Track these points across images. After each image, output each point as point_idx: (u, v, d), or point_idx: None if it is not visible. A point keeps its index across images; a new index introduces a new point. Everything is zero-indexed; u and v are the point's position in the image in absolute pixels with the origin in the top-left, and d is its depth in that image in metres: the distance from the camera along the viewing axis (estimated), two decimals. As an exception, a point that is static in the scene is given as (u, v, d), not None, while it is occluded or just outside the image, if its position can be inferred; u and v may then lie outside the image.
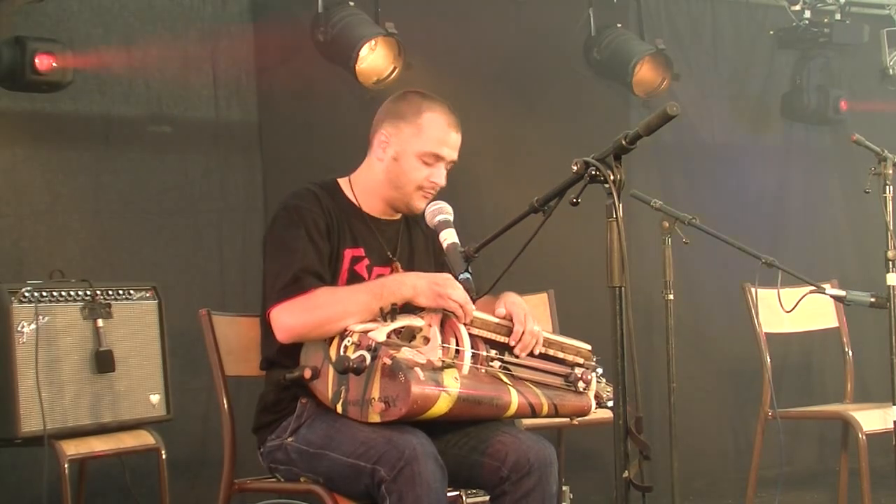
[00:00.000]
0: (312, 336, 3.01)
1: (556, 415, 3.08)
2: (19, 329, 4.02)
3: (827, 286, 4.31)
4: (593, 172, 2.50)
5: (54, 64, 4.62)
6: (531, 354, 3.07)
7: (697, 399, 6.29)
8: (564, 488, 4.80)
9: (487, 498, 3.10)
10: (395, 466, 2.81)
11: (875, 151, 3.98)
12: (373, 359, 2.81)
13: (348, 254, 3.13)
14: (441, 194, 3.22)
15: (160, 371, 4.39)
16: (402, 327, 2.94)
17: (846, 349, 5.09)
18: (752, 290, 4.69)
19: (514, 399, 2.96)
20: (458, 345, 2.91)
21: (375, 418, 2.87)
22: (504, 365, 3.00)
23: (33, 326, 4.04)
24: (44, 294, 4.10)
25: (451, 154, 3.19)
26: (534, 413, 3.02)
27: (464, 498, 3.17)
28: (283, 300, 3.00)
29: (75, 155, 5.01)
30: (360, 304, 2.96)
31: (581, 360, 3.14)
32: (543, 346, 3.08)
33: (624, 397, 2.44)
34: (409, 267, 3.23)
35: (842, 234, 6.96)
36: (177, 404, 4.46)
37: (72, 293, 4.19)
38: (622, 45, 6.08)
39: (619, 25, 6.17)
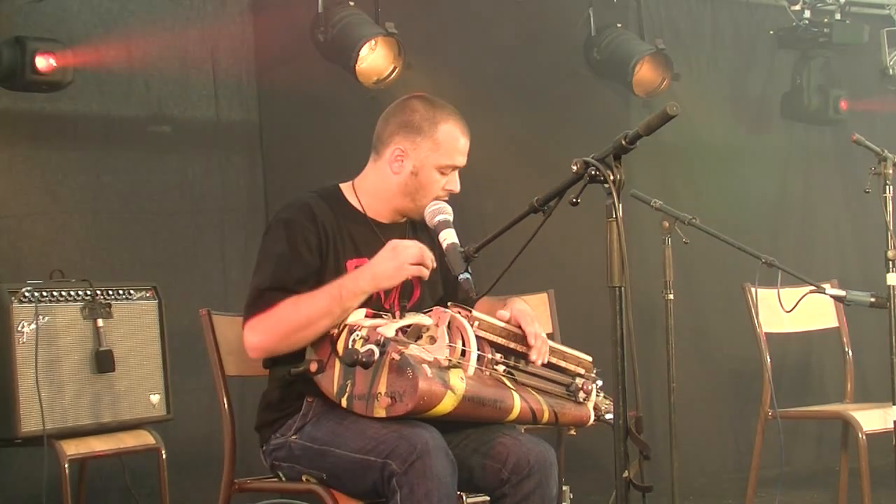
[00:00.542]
0: (282, 349, 3.06)
1: (556, 423, 3.09)
2: (19, 329, 4.02)
3: (827, 286, 4.31)
4: (593, 172, 2.50)
5: (54, 64, 4.63)
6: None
7: (697, 399, 6.29)
8: (564, 488, 4.79)
9: (488, 499, 3.10)
10: (406, 460, 2.81)
11: (875, 151, 3.98)
12: (381, 353, 2.82)
13: (351, 265, 3.12)
14: (441, 194, 3.22)
15: (160, 371, 4.39)
16: (410, 325, 2.94)
17: (846, 349, 5.09)
18: (752, 290, 4.69)
19: (517, 403, 2.96)
20: (464, 345, 2.90)
21: (381, 413, 2.86)
22: (508, 369, 3.01)
23: (33, 326, 4.04)
24: (44, 294, 4.10)
25: (464, 160, 3.22)
26: (535, 419, 3.02)
27: (465, 498, 3.17)
28: (248, 319, 3.06)
29: (75, 155, 5.01)
30: (320, 309, 2.98)
31: (582, 371, 3.16)
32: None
33: (624, 397, 2.44)
34: None
35: (842, 234, 6.96)
36: (177, 404, 4.46)
37: (72, 293, 4.19)
38: (622, 45, 6.08)
39: (619, 25, 6.18)
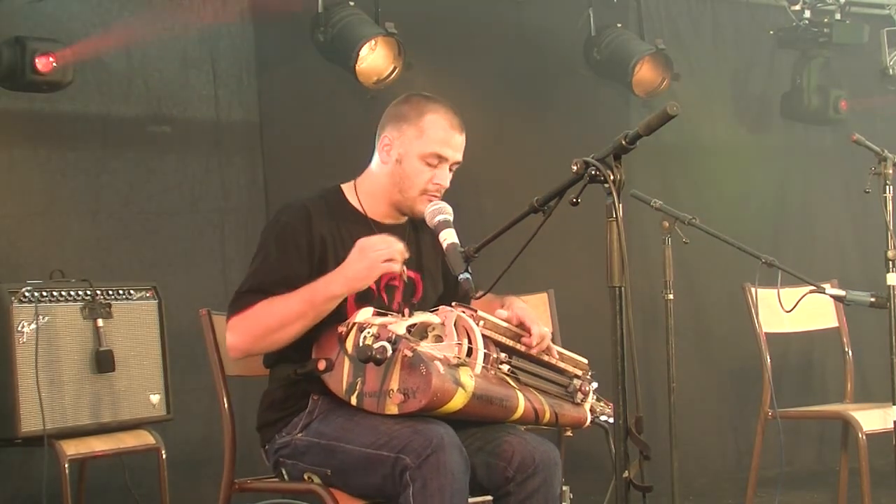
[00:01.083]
0: (258, 349, 3.09)
1: (556, 423, 3.10)
2: (19, 329, 4.02)
3: (827, 286, 4.31)
4: (593, 172, 2.50)
5: (54, 64, 4.63)
6: (539, 363, 3.08)
7: (698, 399, 6.29)
8: (564, 488, 4.78)
9: (490, 499, 3.10)
10: (420, 454, 2.81)
11: (875, 151, 3.98)
12: (393, 350, 2.83)
13: None
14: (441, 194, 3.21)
15: (160, 371, 4.39)
16: (416, 324, 2.94)
17: (846, 349, 5.09)
18: (752, 289, 4.69)
19: (522, 403, 2.97)
20: (470, 344, 2.91)
21: (393, 409, 2.86)
22: (512, 368, 3.01)
23: (33, 326, 4.04)
24: (44, 294, 4.11)
25: (455, 155, 3.17)
26: (537, 419, 3.02)
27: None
28: (227, 319, 3.08)
29: (74, 155, 5.01)
30: (293, 311, 2.99)
31: (579, 372, 3.16)
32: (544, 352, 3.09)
33: (624, 397, 2.44)
34: (417, 269, 3.23)
35: (842, 233, 6.96)
36: (177, 404, 4.46)
37: (72, 293, 4.19)
38: (622, 45, 6.08)
39: (619, 25, 6.17)
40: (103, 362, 4.19)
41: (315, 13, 5.36)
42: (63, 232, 4.94)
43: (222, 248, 5.28)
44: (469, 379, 2.85)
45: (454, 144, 3.17)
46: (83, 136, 5.03)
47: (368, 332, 2.90)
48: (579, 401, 3.12)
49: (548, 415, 3.03)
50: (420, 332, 2.95)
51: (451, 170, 3.19)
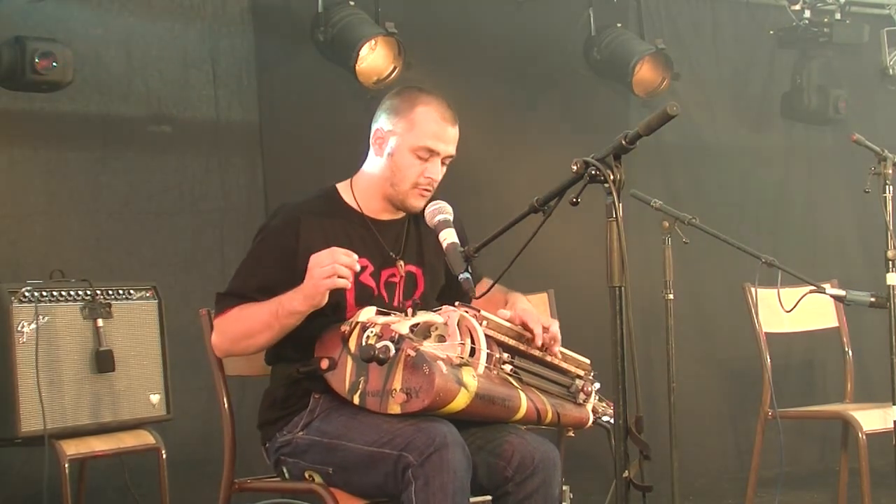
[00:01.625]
0: (237, 352, 3.17)
1: (558, 424, 3.10)
2: (19, 329, 4.02)
3: (827, 286, 4.31)
4: (593, 172, 2.50)
5: (54, 64, 4.63)
6: (541, 363, 3.08)
7: (698, 399, 6.29)
8: (564, 488, 4.79)
9: (489, 499, 3.10)
10: (423, 452, 2.81)
11: (875, 151, 3.97)
12: (396, 350, 2.83)
13: None
14: (441, 194, 3.19)
15: (160, 371, 4.39)
16: (419, 323, 2.94)
17: (846, 349, 5.09)
18: (752, 289, 4.69)
19: (524, 403, 2.97)
20: (473, 344, 2.91)
21: (396, 409, 2.86)
22: (515, 368, 3.01)
23: (33, 326, 4.04)
24: (44, 294, 4.10)
25: (447, 149, 3.14)
26: (539, 419, 3.02)
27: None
28: (212, 319, 3.14)
29: (74, 155, 5.01)
30: (260, 322, 3.03)
31: (581, 373, 3.16)
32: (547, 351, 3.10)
33: (624, 397, 2.44)
34: (418, 264, 3.23)
35: (844, 233, 6.96)
36: (177, 404, 4.46)
37: (72, 293, 4.19)
38: (622, 45, 6.08)
39: (619, 25, 6.18)
40: (103, 362, 4.19)
41: (315, 13, 5.36)
42: (63, 232, 4.94)
43: (222, 248, 5.28)
44: (472, 379, 2.85)
45: (446, 137, 3.14)
46: (83, 136, 5.03)
47: (371, 332, 2.90)
48: (581, 401, 3.13)
49: (550, 415, 3.03)
50: (423, 331, 2.95)
51: (443, 163, 3.16)
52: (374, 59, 5.39)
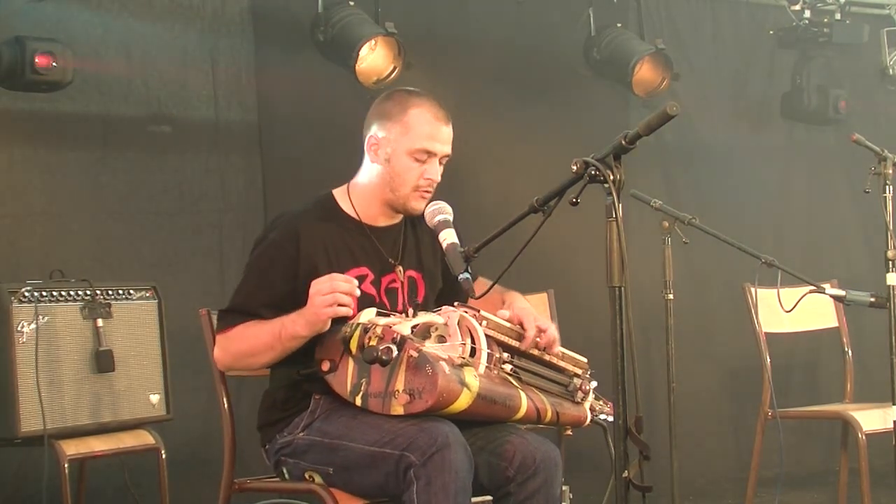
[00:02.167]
0: (240, 368, 3.18)
1: (557, 422, 3.10)
2: (19, 329, 4.02)
3: (827, 286, 4.31)
4: (593, 172, 2.50)
5: (54, 64, 4.62)
6: (540, 362, 3.08)
7: (698, 399, 6.29)
8: (564, 488, 4.78)
9: (490, 499, 3.10)
10: (425, 452, 2.81)
11: (875, 151, 3.97)
12: (398, 351, 2.83)
13: (352, 275, 3.09)
14: (441, 194, 3.19)
15: (160, 371, 4.39)
16: (419, 324, 2.94)
17: (846, 349, 5.09)
18: (752, 289, 4.69)
19: (524, 402, 2.97)
20: (473, 344, 2.91)
21: (399, 410, 2.86)
22: (514, 368, 3.01)
23: (33, 326, 4.04)
24: (44, 294, 4.10)
25: (443, 148, 3.14)
26: (539, 418, 3.03)
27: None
28: (216, 334, 3.14)
29: (74, 155, 5.01)
30: (263, 343, 3.04)
31: (579, 371, 3.16)
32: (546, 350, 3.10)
33: (624, 397, 2.44)
34: (417, 268, 3.23)
35: (845, 233, 6.96)
36: (177, 404, 4.46)
37: (72, 293, 4.19)
38: (622, 45, 6.08)
39: (619, 25, 6.17)
40: (103, 362, 4.19)
41: (315, 13, 5.36)
42: (63, 232, 4.94)
43: (221, 248, 5.28)
44: (474, 379, 2.86)
45: (441, 137, 3.14)
46: (83, 136, 5.03)
47: (373, 333, 2.90)
48: (579, 399, 3.13)
49: (549, 414, 3.03)
50: (423, 332, 2.95)
51: (441, 163, 3.16)
52: (374, 59, 5.38)
